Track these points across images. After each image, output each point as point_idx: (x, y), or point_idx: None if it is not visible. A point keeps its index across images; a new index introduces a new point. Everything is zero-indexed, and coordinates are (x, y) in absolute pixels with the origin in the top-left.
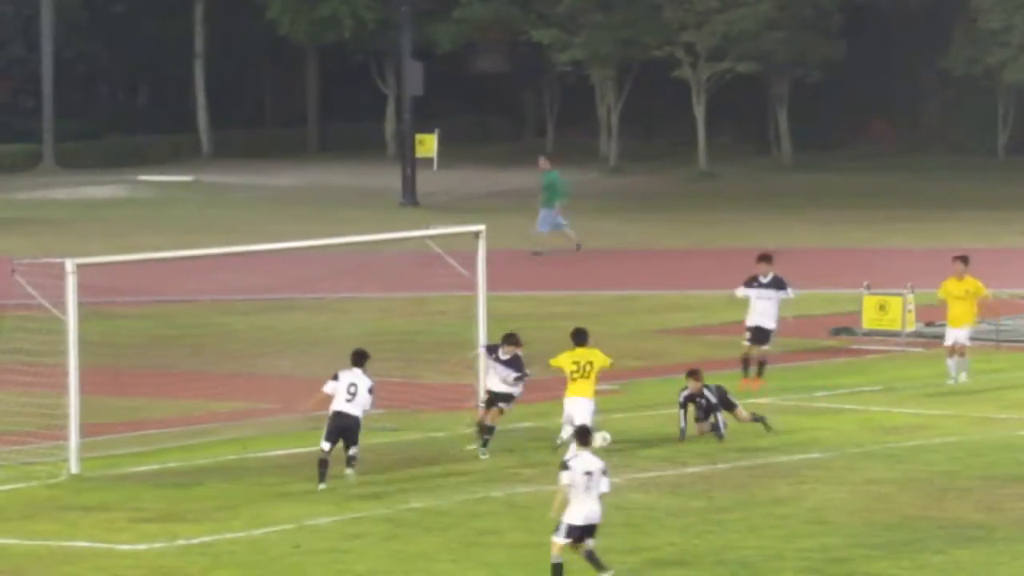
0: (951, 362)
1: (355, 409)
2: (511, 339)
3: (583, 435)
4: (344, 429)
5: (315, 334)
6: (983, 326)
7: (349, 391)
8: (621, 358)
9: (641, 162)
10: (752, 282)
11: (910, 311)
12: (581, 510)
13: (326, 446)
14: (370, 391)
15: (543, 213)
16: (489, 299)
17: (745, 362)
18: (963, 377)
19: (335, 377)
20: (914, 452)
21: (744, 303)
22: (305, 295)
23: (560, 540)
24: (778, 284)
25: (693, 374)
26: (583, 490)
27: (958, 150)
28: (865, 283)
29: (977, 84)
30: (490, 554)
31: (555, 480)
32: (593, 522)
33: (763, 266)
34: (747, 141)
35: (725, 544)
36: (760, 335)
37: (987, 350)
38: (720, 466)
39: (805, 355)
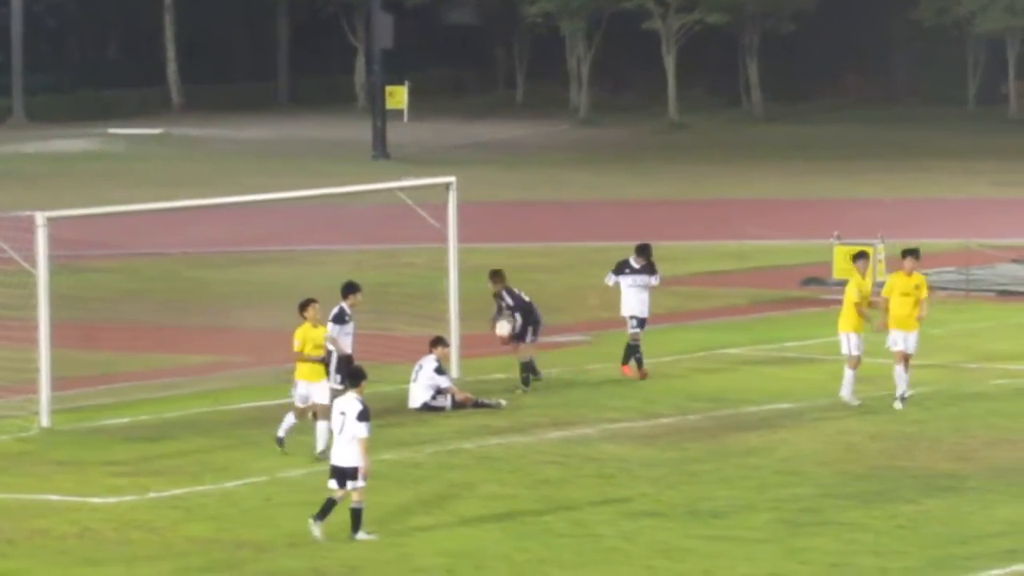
0: (900, 370)
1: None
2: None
3: (353, 376)
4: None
5: (286, 287)
6: (953, 275)
7: None
8: (592, 309)
9: (612, 113)
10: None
11: (880, 261)
12: (335, 451)
13: None
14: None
15: None
16: (460, 251)
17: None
18: (898, 405)
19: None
20: (885, 402)
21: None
22: (276, 248)
23: (329, 483)
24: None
25: (494, 275)
26: (337, 431)
27: (928, 101)
28: (836, 233)
29: (947, 35)
30: (463, 506)
31: (529, 432)
32: (341, 464)
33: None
34: (718, 93)
35: (698, 495)
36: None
37: (957, 300)
38: (691, 417)
39: (775, 306)
